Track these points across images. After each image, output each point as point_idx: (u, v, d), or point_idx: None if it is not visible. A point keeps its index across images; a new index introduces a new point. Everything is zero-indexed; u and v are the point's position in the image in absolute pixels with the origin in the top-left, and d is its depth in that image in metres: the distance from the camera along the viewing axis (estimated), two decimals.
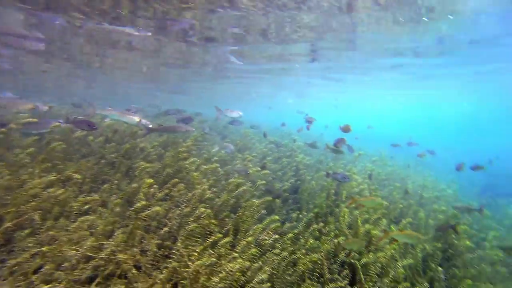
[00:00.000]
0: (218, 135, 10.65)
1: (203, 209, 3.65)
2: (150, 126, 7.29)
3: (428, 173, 10.77)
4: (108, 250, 3.22)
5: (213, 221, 3.69)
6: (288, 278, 3.59)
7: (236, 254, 3.41)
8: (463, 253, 4.33)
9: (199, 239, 3.51)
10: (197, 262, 2.97)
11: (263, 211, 4.74)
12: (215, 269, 3.18)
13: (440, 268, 4.13)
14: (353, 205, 4.56)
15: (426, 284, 4.03)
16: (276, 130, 10.98)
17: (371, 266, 3.72)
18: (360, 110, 45.72)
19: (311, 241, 3.86)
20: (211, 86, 24.90)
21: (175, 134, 8.54)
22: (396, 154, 10.66)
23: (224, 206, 4.72)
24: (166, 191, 4.48)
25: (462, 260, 4.37)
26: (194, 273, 2.95)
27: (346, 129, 6.72)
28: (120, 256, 3.16)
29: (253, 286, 3.26)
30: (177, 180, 4.60)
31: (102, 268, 3.09)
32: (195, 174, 4.87)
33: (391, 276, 3.62)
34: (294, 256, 3.68)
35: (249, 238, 3.42)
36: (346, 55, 13.29)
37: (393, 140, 10.18)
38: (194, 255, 3.19)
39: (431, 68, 16.13)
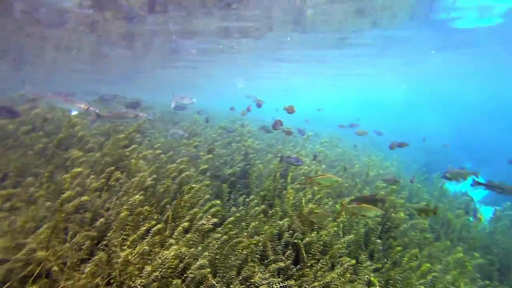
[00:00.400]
0: (168, 122, 10.25)
1: (137, 196, 3.42)
2: (97, 112, 6.84)
3: (376, 153, 11.37)
4: (27, 248, 2.90)
5: (147, 208, 3.47)
6: (232, 262, 3.52)
7: (172, 241, 3.25)
8: (399, 225, 4.58)
9: (133, 228, 3.29)
10: (127, 251, 2.77)
11: (207, 196, 4.62)
12: (149, 257, 3.00)
13: (379, 240, 4.31)
14: (310, 184, 4.60)
15: (366, 256, 4.21)
16: (228, 115, 10.82)
17: (314, 245, 3.77)
18: (311, 94, 47.27)
19: (253, 224, 3.82)
20: (160, 71, 24.15)
21: (126, 120, 8.13)
22: (345, 136, 11.06)
23: (166, 192, 4.52)
24: (102, 180, 4.17)
25: (398, 231, 4.62)
26: (124, 263, 2.74)
27: (290, 110, 6.75)
28: (41, 253, 2.86)
29: (192, 272, 3.15)
30: (113, 168, 4.29)
31: (18, 270, 2.77)
32: (134, 161, 4.58)
33: (332, 253, 3.70)
34: (236, 240, 3.61)
35: (185, 224, 3.26)
36: (294, 34, 13.50)
37: (341, 122, 10.51)
38: (126, 244, 2.98)
39: (370, 51, 17.14)
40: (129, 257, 2.77)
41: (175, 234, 3.33)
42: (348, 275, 3.27)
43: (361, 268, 3.88)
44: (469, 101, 46.65)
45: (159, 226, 3.10)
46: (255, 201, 4.88)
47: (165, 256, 2.99)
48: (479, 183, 5.70)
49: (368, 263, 4.00)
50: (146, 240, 3.09)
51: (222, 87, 37.00)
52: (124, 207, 3.38)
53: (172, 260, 3.02)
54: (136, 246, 3.01)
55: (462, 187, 10.73)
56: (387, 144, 9.72)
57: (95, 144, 5.71)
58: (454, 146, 14.68)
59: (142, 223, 3.35)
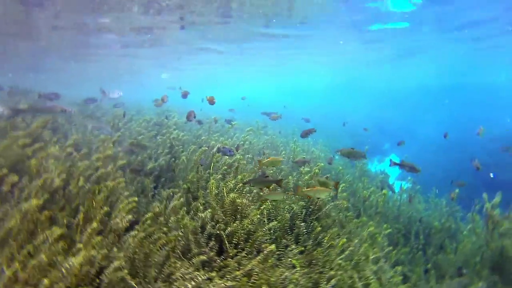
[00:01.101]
0: (87, 117, 9.34)
1: (34, 200, 2.99)
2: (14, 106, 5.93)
3: (303, 140, 11.87)
4: None
5: (46, 213, 3.07)
6: (152, 260, 3.33)
7: (81, 246, 2.94)
8: (321, 206, 4.83)
9: (28, 239, 2.88)
10: (14, 268, 2.41)
11: (127, 193, 4.31)
12: (50, 269, 2.66)
13: (302, 224, 4.49)
14: (259, 167, 5.21)
15: (292, 240, 4.36)
16: (153, 107, 10.29)
17: (237, 234, 3.76)
18: (239, 84, 48.12)
19: (172, 219, 3.66)
20: (74, 65, 22.48)
21: (50, 114, 7.14)
22: (274, 123, 11.33)
23: (79, 194, 4.09)
24: None
25: (322, 213, 4.88)
26: (10, 283, 2.38)
27: (210, 101, 6.66)
28: None
29: (107, 276, 2.89)
30: (5, 171, 3.70)
31: None
32: (34, 161, 4.02)
33: (255, 240, 3.72)
34: (156, 236, 3.42)
35: (94, 225, 2.97)
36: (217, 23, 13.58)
37: (266, 109, 10.74)
38: (17, 259, 2.59)
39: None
40: (18, 274, 2.41)
41: (84, 237, 3.01)
42: (271, 261, 3.32)
43: (286, 252, 4.01)
44: (380, 88, 52.07)
45: (59, 231, 2.75)
46: (179, 194, 4.71)
47: (71, 263, 2.68)
48: (395, 163, 6.42)
49: (293, 247, 4.16)
50: (44, 250, 2.72)
51: (146, 78, 36.09)
52: (16, 214, 2.93)
53: (79, 267, 2.72)
54: (31, 259, 2.63)
55: (381, 167, 11.89)
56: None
57: None
58: (373, 129, 16.14)
59: (40, 231, 2.95)
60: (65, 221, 3.63)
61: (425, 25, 17.00)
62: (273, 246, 3.35)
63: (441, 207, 7.36)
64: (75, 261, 2.70)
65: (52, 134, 6.26)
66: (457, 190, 6.61)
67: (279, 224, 4.38)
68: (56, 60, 21.81)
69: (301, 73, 37.65)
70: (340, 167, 7.99)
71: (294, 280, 3.28)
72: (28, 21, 12.79)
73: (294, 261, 3.49)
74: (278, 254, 3.98)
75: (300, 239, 4.46)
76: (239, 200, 4.02)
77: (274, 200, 4.28)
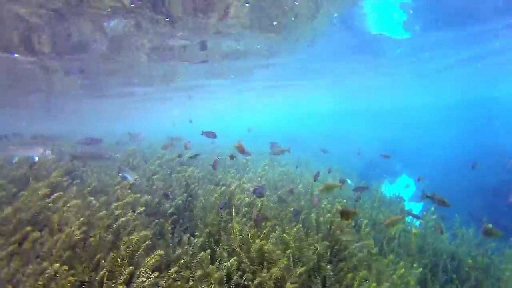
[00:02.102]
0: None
1: (57, 265, 2.92)
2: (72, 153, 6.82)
3: (318, 168, 11.80)
4: None
5: (71, 276, 2.99)
6: None
7: None
8: (347, 246, 4.66)
9: None
10: None
11: (148, 242, 4.22)
12: None
13: (329, 266, 4.32)
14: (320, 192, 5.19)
15: (319, 284, 4.18)
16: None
17: (265, 284, 3.61)
18: (240, 114, 49.11)
19: (199, 272, 3.54)
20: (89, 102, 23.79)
21: (99, 161, 7.58)
22: (286, 155, 11.28)
23: (101, 246, 4.02)
24: (13, 245, 3.52)
25: (348, 253, 4.70)
26: None
27: (240, 148, 6.61)
28: None
29: None
30: (29, 228, 3.67)
31: None
32: (56, 216, 3.99)
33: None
34: None
35: (120, 286, 2.88)
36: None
37: (273, 139, 10.69)
38: None
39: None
40: None
41: None
42: None
43: None
44: (387, 110, 52.23)
45: None
46: (201, 239, 4.61)
47: None
48: (427, 196, 6.12)
49: None
50: None
51: (158, 114, 37.97)
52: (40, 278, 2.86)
53: None
54: None
55: (393, 188, 11.57)
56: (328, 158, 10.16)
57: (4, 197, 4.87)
58: (383, 151, 15.92)
59: None
60: (86, 278, 3.54)
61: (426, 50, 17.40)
62: None
63: (468, 237, 7.01)
64: None
65: (70, 178, 6.28)
66: (489, 225, 6.13)
67: (305, 268, 4.22)
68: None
69: (307, 99, 38.26)
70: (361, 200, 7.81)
71: None
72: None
73: None
74: None
75: (327, 283, 4.28)
76: (266, 247, 3.90)
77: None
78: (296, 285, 3.84)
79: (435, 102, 48.23)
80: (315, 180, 6.95)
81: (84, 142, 8.85)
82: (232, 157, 7.19)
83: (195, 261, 3.76)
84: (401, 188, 19.58)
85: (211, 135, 8.68)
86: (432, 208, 7.34)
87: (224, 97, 28.19)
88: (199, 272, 3.52)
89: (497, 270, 6.02)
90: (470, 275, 5.72)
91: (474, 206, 11.54)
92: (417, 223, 7.73)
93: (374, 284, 3.89)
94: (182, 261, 3.68)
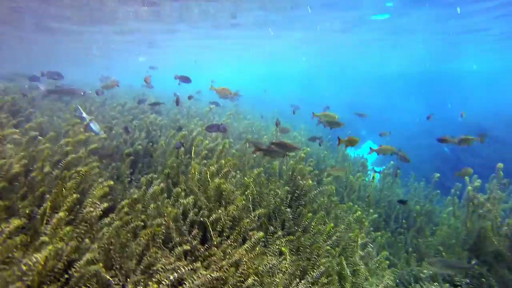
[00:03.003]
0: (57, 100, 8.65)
1: None
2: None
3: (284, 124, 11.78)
4: None
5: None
6: (131, 250, 3.05)
7: (46, 238, 2.61)
8: (307, 192, 4.70)
9: None
10: None
11: (101, 179, 3.96)
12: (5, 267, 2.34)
13: (288, 209, 4.34)
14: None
15: (279, 227, 4.21)
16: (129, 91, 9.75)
17: (222, 221, 3.54)
18: (219, 67, 48.05)
19: (152, 206, 3.38)
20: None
21: (73, 97, 7.69)
22: (254, 107, 11.10)
23: (45, 181, 3.71)
24: None
25: (307, 198, 4.75)
26: None
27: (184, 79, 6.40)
28: None
29: (78, 270, 2.60)
30: None
31: None
32: None
33: (241, 228, 3.52)
34: (133, 225, 3.14)
35: (61, 214, 2.64)
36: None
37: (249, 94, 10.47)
38: None
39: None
40: None
41: (49, 229, 2.68)
42: (258, 249, 3.13)
43: (273, 240, 3.85)
44: (357, 76, 52.95)
45: (17, 222, 2.40)
46: (158, 180, 4.43)
47: (34, 259, 2.36)
48: (373, 150, 6.55)
49: (280, 233, 4.00)
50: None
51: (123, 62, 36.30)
52: None
53: (44, 262, 2.41)
54: None
55: (359, 152, 11.99)
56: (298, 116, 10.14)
57: None
58: (351, 116, 16.29)
59: None
60: (27, 211, 3.27)
61: (405, 15, 17.29)
62: (261, 234, 3.16)
63: (420, 191, 7.49)
64: (39, 256, 2.39)
65: (11, 117, 5.70)
66: (437, 175, 6.72)
67: (265, 210, 4.21)
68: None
69: (279, 57, 37.52)
70: (325, 152, 7.91)
71: (283, 268, 3.12)
72: None
73: (283, 249, 3.33)
74: (264, 242, 3.83)
75: (286, 225, 4.32)
76: (224, 185, 3.78)
77: None
78: (254, 224, 3.82)
79: (403, 71, 49.37)
80: (277, 126, 7.01)
81: (47, 75, 8.01)
82: (189, 97, 7.11)
83: (148, 196, 3.58)
84: (365, 153, 20.34)
85: (185, 79, 8.14)
86: (392, 162, 7.67)
87: (188, 48, 27.04)
88: (152, 206, 3.35)
89: (437, 216, 6.59)
90: (416, 221, 6.14)
91: (426, 169, 12.41)
92: (377, 179, 8.09)
93: (331, 225, 3.96)
94: (135, 196, 3.47)
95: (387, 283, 3.39)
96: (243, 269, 2.84)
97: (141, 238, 3.00)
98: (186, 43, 24.95)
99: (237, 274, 2.84)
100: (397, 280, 4.75)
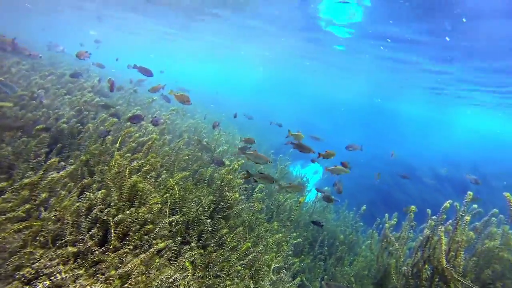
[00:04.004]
0: None
1: None
2: None
3: (231, 129, 11.60)
4: None
5: None
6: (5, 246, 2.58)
7: None
8: (233, 205, 4.51)
9: None
10: None
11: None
12: None
13: (209, 221, 4.11)
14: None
15: (194, 237, 3.95)
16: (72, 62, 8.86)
17: (129, 223, 3.19)
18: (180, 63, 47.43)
19: (44, 195, 2.93)
20: None
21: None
22: (205, 109, 10.77)
23: None
24: None
25: (233, 212, 4.56)
26: None
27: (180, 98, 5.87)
28: None
29: None
30: None
31: None
32: None
33: (149, 232, 3.21)
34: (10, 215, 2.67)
35: None
36: None
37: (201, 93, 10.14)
38: None
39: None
40: None
41: None
42: (158, 261, 2.84)
43: (184, 251, 3.58)
44: (313, 95, 54.97)
45: None
46: (73, 166, 3.93)
47: None
48: (321, 154, 6.62)
49: (193, 245, 3.74)
50: None
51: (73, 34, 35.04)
52: None
53: None
54: None
55: (304, 171, 12.18)
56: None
57: None
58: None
59: None
60: None
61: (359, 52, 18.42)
62: (162, 244, 2.89)
63: (348, 220, 7.72)
64: None
65: None
66: (363, 207, 6.98)
67: (183, 217, 3.93)
68: None
69: (238, 63, 37.69)
70: (261, 167, 7.82)
71: (183, 285, 2.86)
72: None
73: (187, 263, 3.07)
74: (174, 253, 3.54)
75: (203, 237, 4.07)
76: (141, 184, 3.44)
77: None
78: (165, 231, 3.52)
79: (352, 100, 52.29)
80: (213, 128, 6.98)
81: None
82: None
83: (44, 183, 3.10)
84: (310, 173, 20.90)
85: (145, 71, 7.04)
86: (327, 188, 7.85)
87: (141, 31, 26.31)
88: (44, 195, 2.90)
89: (358, 246, 6.83)
90: (338, 249, 6.28)
91: (361, 199, 13.04)
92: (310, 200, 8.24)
93: (248, 244, 3.80)
94: (27, 180, 2.98)
95: None
96: (132, 283, 2.53)
97: (15, 233, 2.56)
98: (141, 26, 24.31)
99: None
100: None
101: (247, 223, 4.55)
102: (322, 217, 7.42)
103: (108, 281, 2.47)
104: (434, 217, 4.15)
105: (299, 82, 48.12)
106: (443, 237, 3.44)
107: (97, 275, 2.56)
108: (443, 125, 58.01)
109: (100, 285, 2.36)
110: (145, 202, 3.55)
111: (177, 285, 2.86)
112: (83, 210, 3.16)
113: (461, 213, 3.55)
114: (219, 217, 4.33)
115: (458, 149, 33.41)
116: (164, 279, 2.79)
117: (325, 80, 36.99)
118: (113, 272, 2.55)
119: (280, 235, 4.35)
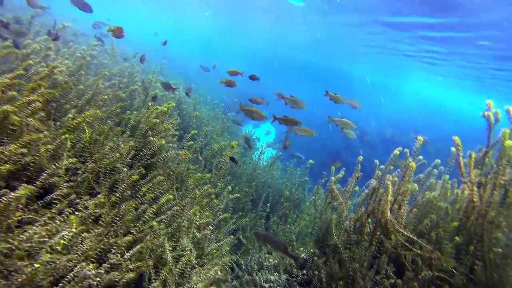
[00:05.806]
0: None
1: None
2: None
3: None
4: None
5: None
6: None
7: None
8: (158, 152, 3.79)
9: None
10: None
11: None
12: None
13: (125, 169, 3.37)
14: None
15: (106, 187, 3.22)
16: None
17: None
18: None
19: None
20: None
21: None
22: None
23: None
24: None
25: (158, 160, 3.85)
26: None
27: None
28: None
29: None
30: None
31: None
32: None
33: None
34: None
35: None
36: None
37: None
38: None
39: None
40: None
41: None
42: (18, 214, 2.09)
43: (87, 203, 2.85)
44: (256, 50, 51.62)
45: None
46: None
47: None
48: (276, 118, 6.16)
49: (101, 196, 3.00)
50: None
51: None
52: None
53: None
54: None
55: (257, 133, 11.62)
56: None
57: None
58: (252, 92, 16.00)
59: None
60: None
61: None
62: (23, 191, 2.11)
63: (295, 177, 7.39)
64: None
65: None
66: (310, 161, 6.58)
67: (92, 165, 3.15)
68: None
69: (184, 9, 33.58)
70: (205, 118, 7.10)
71: (59, 244, 2.16)
72: None
73: (72, 217, 2.36)
74: (69, 204, 2.78)
75: (117, 187, 3.34)
76: (14, 117, 2.54)
77: None
78: (60, 180, 2.73)
79: (304, 58, 49.72)
80: (141, 62, 6.43)
81: None
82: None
83: None
84: (262, 133, 20.59)
85: (83, 6, 5.84)
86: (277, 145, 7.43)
87: None
88: None
89: (303, 204, 6.60)
90: (282, 206, 5.96)
91: (312, 159, 13.05)
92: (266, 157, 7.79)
93: (170, 196, 3.16)
94: None
95: (212, 274, 2.78)
96: None
97: None
98: None
99: None
100: (243, 266, 4.34)
101: (173, 174, 3.88)
102: (267, 173, 6.99)
103: None
104: (382, 166, 3.84)
105: (249, 36, 43.90)
106: (390, 186, 3.08)
107: None
108: (391, 89, 59.60)
109: None
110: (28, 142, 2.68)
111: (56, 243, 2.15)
112: None
113: (409, 161, 3.20)
114: (139, 165, 3.59)
115: (405, 114, 35.03)
116: (36, 238, 2.06)
117: (279, 36, 34.12)
118: None
119: (210, 188, 3.76)
